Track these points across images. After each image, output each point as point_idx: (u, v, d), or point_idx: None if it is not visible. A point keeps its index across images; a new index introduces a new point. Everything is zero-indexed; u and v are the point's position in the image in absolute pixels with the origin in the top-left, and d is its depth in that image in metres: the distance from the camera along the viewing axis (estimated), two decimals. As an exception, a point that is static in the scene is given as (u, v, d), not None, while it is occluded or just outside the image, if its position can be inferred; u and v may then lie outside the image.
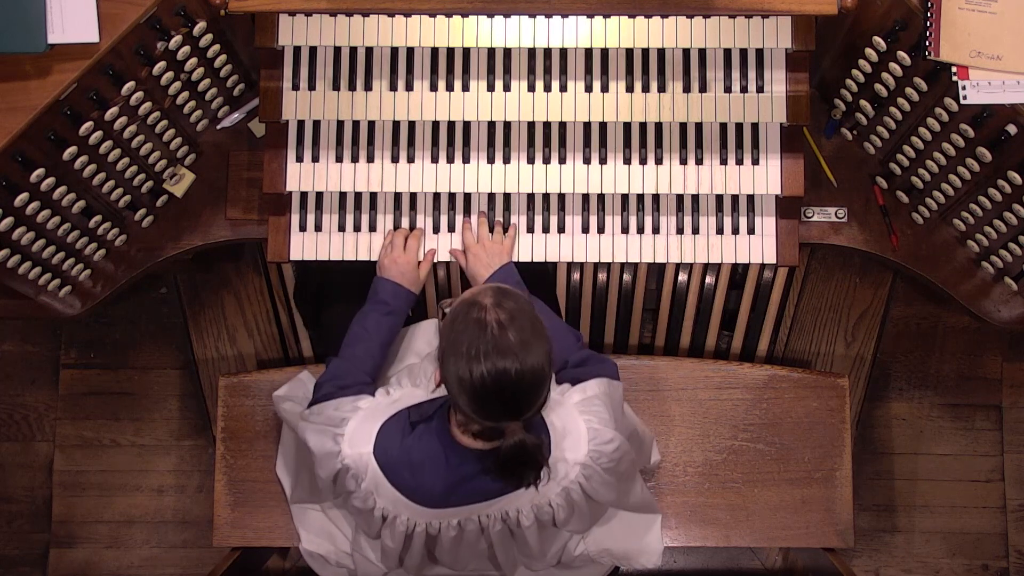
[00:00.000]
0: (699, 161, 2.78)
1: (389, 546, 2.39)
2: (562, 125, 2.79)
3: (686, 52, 2.75)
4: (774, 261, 2.85)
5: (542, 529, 2.35)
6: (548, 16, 2.61)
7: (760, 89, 2.74)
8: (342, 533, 2.62)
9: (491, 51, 2.74)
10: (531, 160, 2.79)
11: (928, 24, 2.36)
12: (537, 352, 2.01)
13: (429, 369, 2.51)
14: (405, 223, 2.83)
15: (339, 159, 2.79)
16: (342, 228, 2.84)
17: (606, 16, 2.59)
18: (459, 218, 2.83)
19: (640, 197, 2.84)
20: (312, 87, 2.75)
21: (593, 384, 2.34)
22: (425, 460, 2.22)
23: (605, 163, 2.78)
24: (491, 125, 2.79)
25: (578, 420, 2.26)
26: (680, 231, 2.84)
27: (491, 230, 2.78)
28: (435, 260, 2.79)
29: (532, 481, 2.10)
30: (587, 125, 2.79)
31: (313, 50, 2.75)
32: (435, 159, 2.79)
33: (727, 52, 2.74)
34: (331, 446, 2.29)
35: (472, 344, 1.99)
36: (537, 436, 2.09)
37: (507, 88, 2.74)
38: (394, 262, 2.68)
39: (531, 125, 2.79)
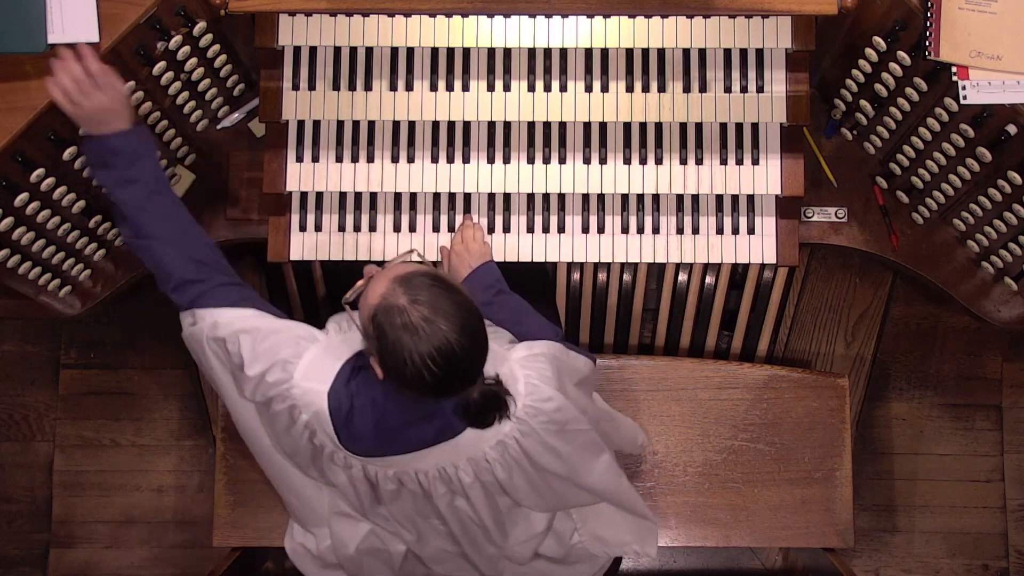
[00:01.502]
0: (699, 161, 2.78)
1: (343, 482, 2.35)
2: (562, 125, 2.79)
3: (686, 52, 2.75)
4: (774, 261, 2.85)
5: (487, 492, 2.31)
6: (548, 16, 2.61)
7: (760, 89, 2.74)
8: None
9: (491, 51, 2.74)
10: (531, 160, 2.79)
11: (928, 24, 2.36)
12: (468, 320, 2.04)
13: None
14: (405, 223, 2.83)
15: (339, 159, 2.79)
16: (342, 228, 2.84)
17: (606, 16, 2.59)
18: (459, 218, 2.83)
19: (640, 197, 2.84)
20: (312, 87, 2.75)
21: (542, 344, 2.31)
22: (363, 406, 2.20)
23: (605, 163, 2.78)
24: (491, 125, 2.79)
25: (517, 374, 2.23)
26: (680, 231, 2.84)
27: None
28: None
29: (499, 417, 2.16)
30: (587, 125, 2.79)
31: (313, 50, 2.75)
32: (435, 159, 2.79)
33: (727, 52, 2.74)
34: (279, 375, 2.22)
35: (412, 349, 2.00)
36: (492, 380, 2.15)
37: (507, 88, 2.74)
38: (97, 110, 2.31)
39: (531, 125, 2.79)
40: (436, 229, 2.83)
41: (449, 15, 2.61)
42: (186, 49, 2.55)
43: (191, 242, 2.33)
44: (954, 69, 2.38)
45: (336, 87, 2.74)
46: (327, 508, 2.55)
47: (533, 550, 2.53)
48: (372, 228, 2.83)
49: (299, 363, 2.22)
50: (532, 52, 2.74)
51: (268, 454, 2.44)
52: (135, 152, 2.32)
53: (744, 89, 2.74)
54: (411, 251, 2.31)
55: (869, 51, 2.57)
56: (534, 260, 2.84)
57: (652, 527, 2.64)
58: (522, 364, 2.25)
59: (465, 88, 2.74)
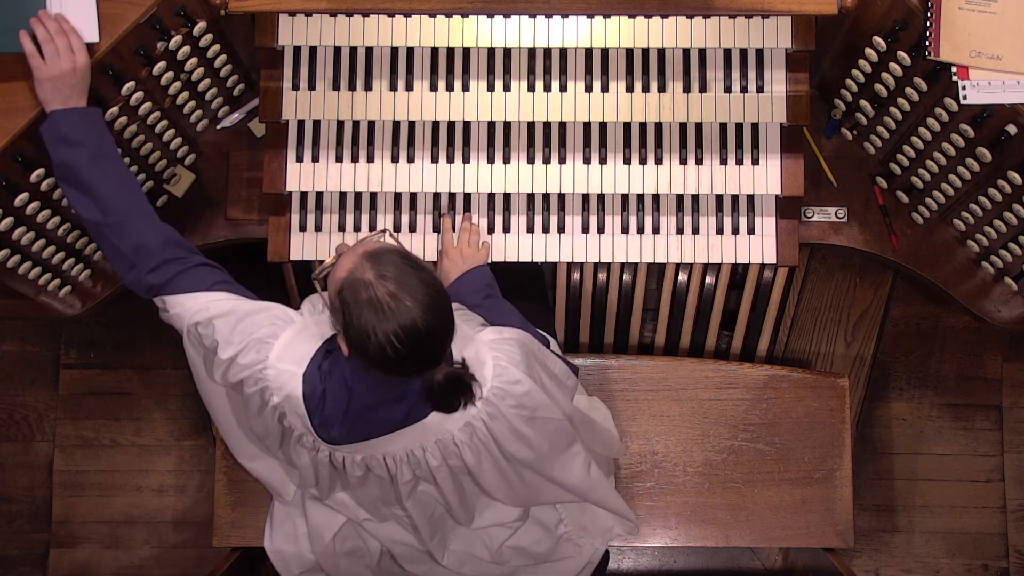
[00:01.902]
0: (699, 161, 2.78)
1: (305, 463, 2.34)
2: (562, 125, 2.79)
3: (686, 52, 2.75)
4: (774, 261, 2.85)
5: (454, 474, 2.30)
6: (548, 16, 2.61)
7: (760, 89, 2.74)
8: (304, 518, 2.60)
9: (491, 51, 2.74)
10: (531, 160, 2.79)
11: (928, 24, 2.36)
12: (435, 299, 2.02)
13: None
14: (405, 223, 2.83)
15: (339, 159, 2.79)
16: (342, 228, 2.84)
17: (606, 16, 2.59)
18: (459, 218, 2.83)
19: (640, 197, 2.84)
20: (312, 87, 2.75)
21: (512, 329, 2.29)
22: (336, 386, 2.18)
23: (605, 163, 2.78)
24: (491, 125, 2.79)
25: (486, 355, 2.20)
26: (680, 231, 2.84)
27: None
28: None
29: (465, 403, 2.12)
30: (587, 125, 2.79)
31: (313, 50, 2.75)
32: (435, 159, 2.79)
33: (727, 52, 2.74)
34: (254, 355, 2.21)
35: (376, 325, 1.99)
36: (459, 364, 2.12)
37: (507, 88, 2.74)
38: (52, 78, 2.29)
39: (531, 125, 2.79)
40: (436, 229, 2.83)
41: (449, 15, 2.61)
42: (186, 49, 2.55)
43: (159, 220, 2.34)
44: (954, 69, 2.38)
45: (336, 87, 2.74)
46: (300, 492, 2.55)
47: (503, 540, 2.51)
48: (372, 228, 2.83)
49: (275, 344, 2.20)
50: (532, 52, 2.74)
51: (238, 435, 2.45)
52: (101, 128, 2.34)
53: (744, 89, 2.74)
54: (383, 231, 2.28)
55: (869, 51, 2.57)
56: (534, 260, 2.83)
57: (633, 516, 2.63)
58: (491, 347, 2.22)
59: (465, 88, 2.74)
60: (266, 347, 2.20)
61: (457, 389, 2.11)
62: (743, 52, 2.74)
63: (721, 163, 2.79)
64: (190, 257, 2.30)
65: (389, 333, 1.98)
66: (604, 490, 2.53)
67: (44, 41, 2.28)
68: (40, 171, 2.43)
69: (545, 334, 2.49)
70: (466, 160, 2.79)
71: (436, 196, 2.84)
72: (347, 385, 2.17)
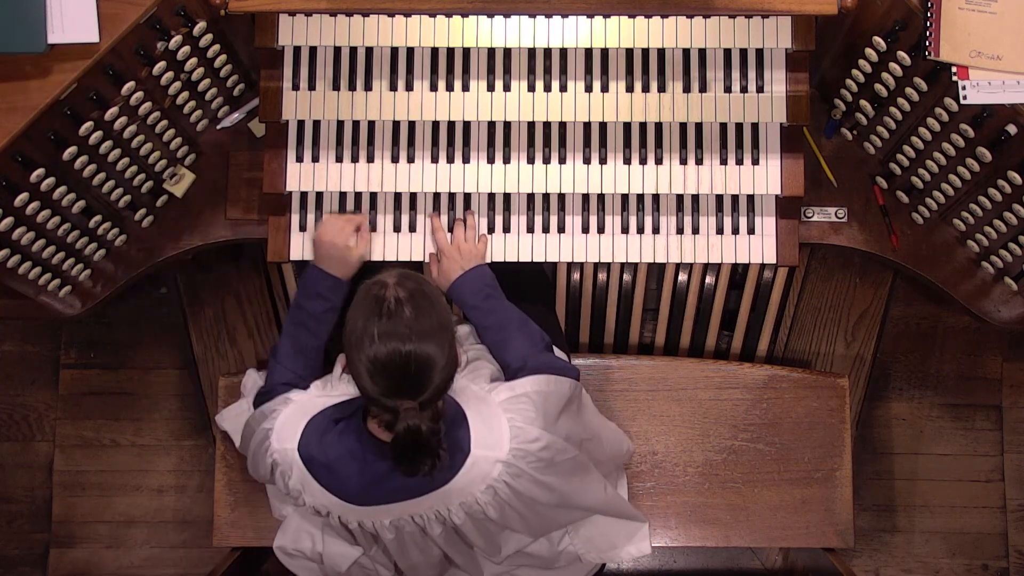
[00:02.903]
0: (699, 161, 2.78)
1: (339, 537, 2.39)
2: (562, 125, 2.79)
3: (686, 52, 2.75)
4: (774, 261, 2.85)
5: (479, 524, 2.31)
6: (548, 16, 2.62)
7: (760, 89, 2.74)
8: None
9: (491, 51, 2.74)
10: (531, 160, 2.79)
11: (928, 24, 2.36)
12: (431, 331, 2.02)
13: None
14: (405, 223, 2.83)
15: (339, 159, 2.79)
16: (342, 228, 2.84)
17: (606, 16, 2.59)
18: (452, 219, 2.82)
19: (640, 197, 2.84)
20: (312, 87, 2.75)
21: (523, 382, 2.29)
22: (342, 456, 2.19)
23: (605, 163, 2.78)
24: (491, 125, 2.79)
25: (501, 418, 2.21)
26: (680, 231, 2.84)
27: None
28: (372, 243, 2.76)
29: (428, 471, 2.07)
30: (587, 125, 2.79)
31: (313, 50, 2.75)
32: (435, 159, 2.79)
33: (727, 52, 2.74)
34: (263, 441, 2.29)
35: (368, 317, 2.01)
36: (435, 423, 2.06)
37: (507, 88, 2.74)
38: (322, 242, 2.59)
39: (531, 125, 2.79)
40: (436, 229, 2.83)
41: (449, 15, 2.61)
42: (186, 49, 2.55)
43: (293, 371, 2.48)
44: (954, 69, 2.38)
45: (336, 87, 2.74)
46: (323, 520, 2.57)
47: (505, 554, 2.53)
48: (372, 228, 2.83)
49: (274, 428, 2.29)
50: (532, 52, 2.74)
51: None
52: (331, 302, 2.53)
53: (744, 89, 2.74)
54: None
55: (869, 51, 2.57)
56: (534, 260, 2.83)
57: (643, 525, 2.63)
58: (505, 408, 2.23)
59: (465, 88, 2.74)
60: (270, 433, 2.29)
61: (418, 448, 2.04)
62: (743, 52, 2.74)
63: (721, 163, 2.79)
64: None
65: (375, 332, 2.00)
66: (619, 502, 2.55)
67: (339, 227, 2.61)
68: (40, 171, 2.43)
69: (547, 336, 2.50)
70: (466, 160, 2.79)
71: (436, 196, 2.84)
72: (357, 454, 2.19)
